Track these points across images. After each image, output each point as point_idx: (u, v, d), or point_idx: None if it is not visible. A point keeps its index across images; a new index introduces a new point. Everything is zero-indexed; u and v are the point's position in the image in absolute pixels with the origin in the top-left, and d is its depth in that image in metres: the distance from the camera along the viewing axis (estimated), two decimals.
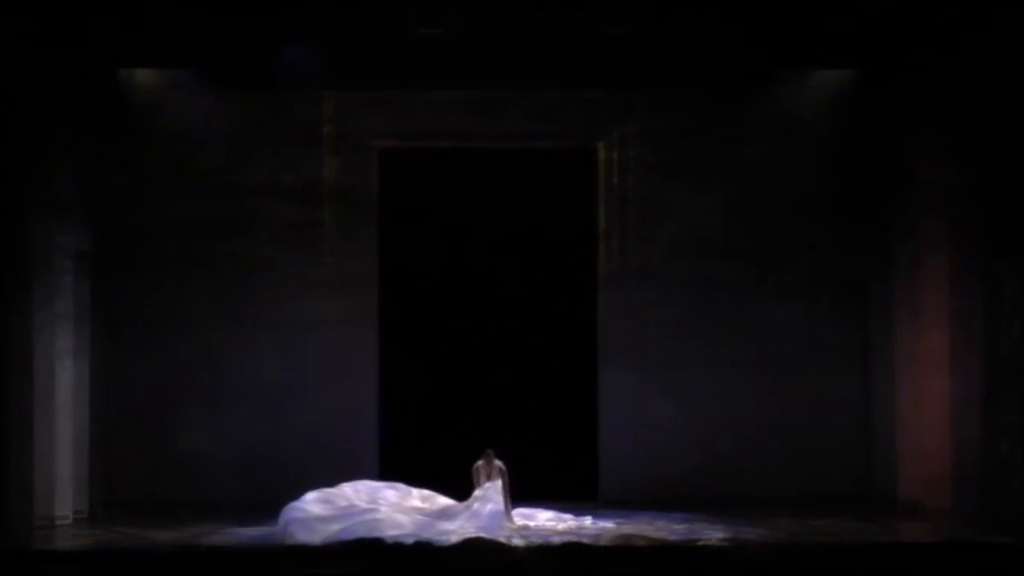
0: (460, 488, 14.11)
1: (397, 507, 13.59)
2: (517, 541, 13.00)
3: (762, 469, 16.25)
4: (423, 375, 16.75)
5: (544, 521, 14.23)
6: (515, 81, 16.04)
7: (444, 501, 14.02)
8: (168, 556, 12.61)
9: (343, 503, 13.63)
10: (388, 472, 15.58)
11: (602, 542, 13.20)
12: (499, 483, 13.91)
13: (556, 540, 13.16)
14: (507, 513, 13.90)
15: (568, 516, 14.44)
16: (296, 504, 13.44)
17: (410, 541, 12.74)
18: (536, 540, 13.09)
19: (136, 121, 16.05)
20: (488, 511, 13.48)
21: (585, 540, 13.22)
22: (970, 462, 14.26)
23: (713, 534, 13.49)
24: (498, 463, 14.11)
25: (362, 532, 12.89)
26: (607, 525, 14.20)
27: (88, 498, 15.45)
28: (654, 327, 16.59)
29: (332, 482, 14.16)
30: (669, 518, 14.67)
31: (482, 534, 13.02)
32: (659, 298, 16.60)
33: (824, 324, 16.57)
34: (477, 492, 13.88)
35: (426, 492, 14.14)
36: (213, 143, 16.30)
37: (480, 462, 14.16)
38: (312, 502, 13.49)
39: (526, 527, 13.89)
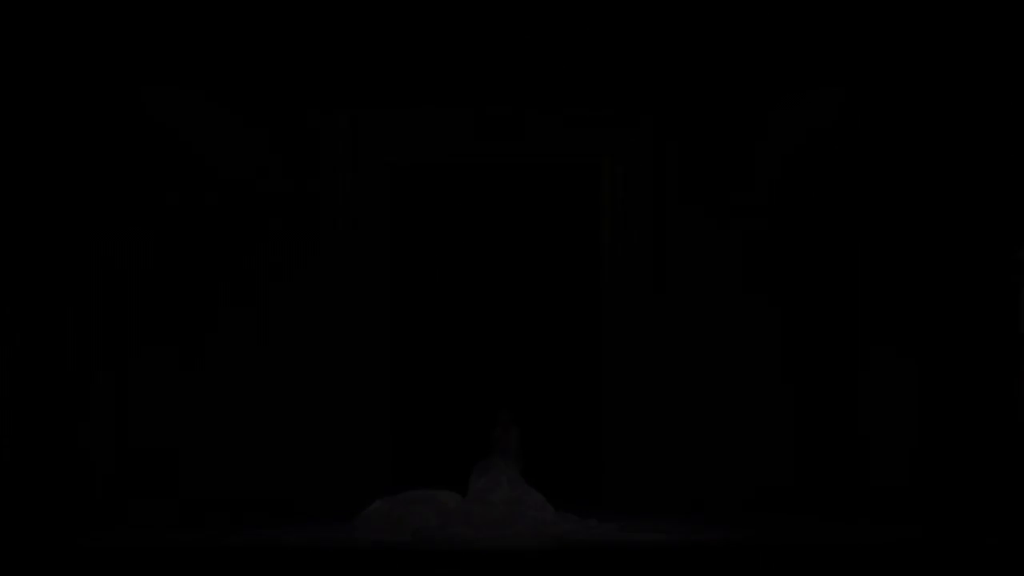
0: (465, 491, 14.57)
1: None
2: (524, 540, 13.36)
3: (762, 472, 16.44)
4: (434, 383, 17.03)
5: (549, 524, 14.40)
6: (523, 100, 16.31)
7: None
8: (187, 555, 12.93)
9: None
10: (398, 475, 16.00)
11: (606, 544, 13.42)
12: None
13: (561, 542, 13.44)
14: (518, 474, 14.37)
15: (573, 518, 14.62)
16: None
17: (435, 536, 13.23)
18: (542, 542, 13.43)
19: (159, 137, 16.26)
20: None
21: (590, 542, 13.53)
22: (966, 463, 14.47)
23: (713, 535, 13.75)
24: (514, 428, 14.34)
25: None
26: (611, 527, 14.39)
27: None
28: (656, 336, 16.78)
29: (339, 483, 14.57)
30: (671, 520, 14.89)
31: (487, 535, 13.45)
32: (661, 308, 16.80)
33: (819, 330, 16.67)
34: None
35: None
36: (231, 159, 16.49)
37: (498, 431, 14.41)
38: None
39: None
